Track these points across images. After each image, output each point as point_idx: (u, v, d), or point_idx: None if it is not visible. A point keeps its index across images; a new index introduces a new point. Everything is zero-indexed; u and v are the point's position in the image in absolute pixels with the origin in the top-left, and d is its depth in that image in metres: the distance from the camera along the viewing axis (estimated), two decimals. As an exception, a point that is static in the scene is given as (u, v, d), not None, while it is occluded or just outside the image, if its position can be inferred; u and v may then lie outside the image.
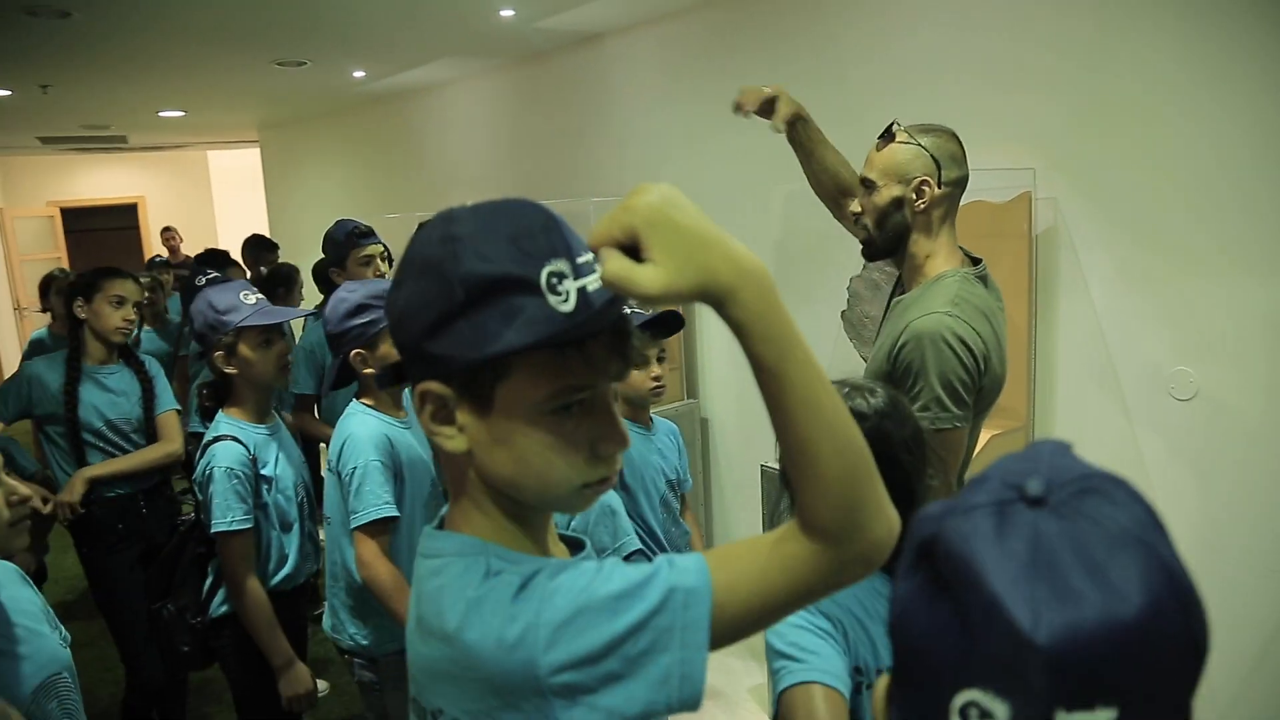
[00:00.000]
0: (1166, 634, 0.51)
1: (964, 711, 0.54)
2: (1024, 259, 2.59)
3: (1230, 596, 2.27)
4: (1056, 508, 0.53)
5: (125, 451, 2.77)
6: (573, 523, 1.55)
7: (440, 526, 0.87)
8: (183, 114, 6.54)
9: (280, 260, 5.36)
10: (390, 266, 3.24)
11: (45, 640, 1.35)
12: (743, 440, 3.79)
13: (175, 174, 11.40)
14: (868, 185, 1.85)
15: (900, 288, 1.96)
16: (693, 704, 0.73)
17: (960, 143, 1.83)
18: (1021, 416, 2.64)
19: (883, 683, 0.64)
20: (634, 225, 0.68)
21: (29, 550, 1.39)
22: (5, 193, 10.83)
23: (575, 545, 0.96)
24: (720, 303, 0.69)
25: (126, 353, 2.83)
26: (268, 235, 5.90)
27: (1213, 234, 2.25)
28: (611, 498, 1.59)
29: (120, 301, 2.72)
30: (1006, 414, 2.56)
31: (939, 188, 1.78)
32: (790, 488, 0.79)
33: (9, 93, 5.04)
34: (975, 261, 1.86)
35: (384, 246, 3.32)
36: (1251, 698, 2.27)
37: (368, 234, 3.28)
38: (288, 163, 8.26)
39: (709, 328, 3.93)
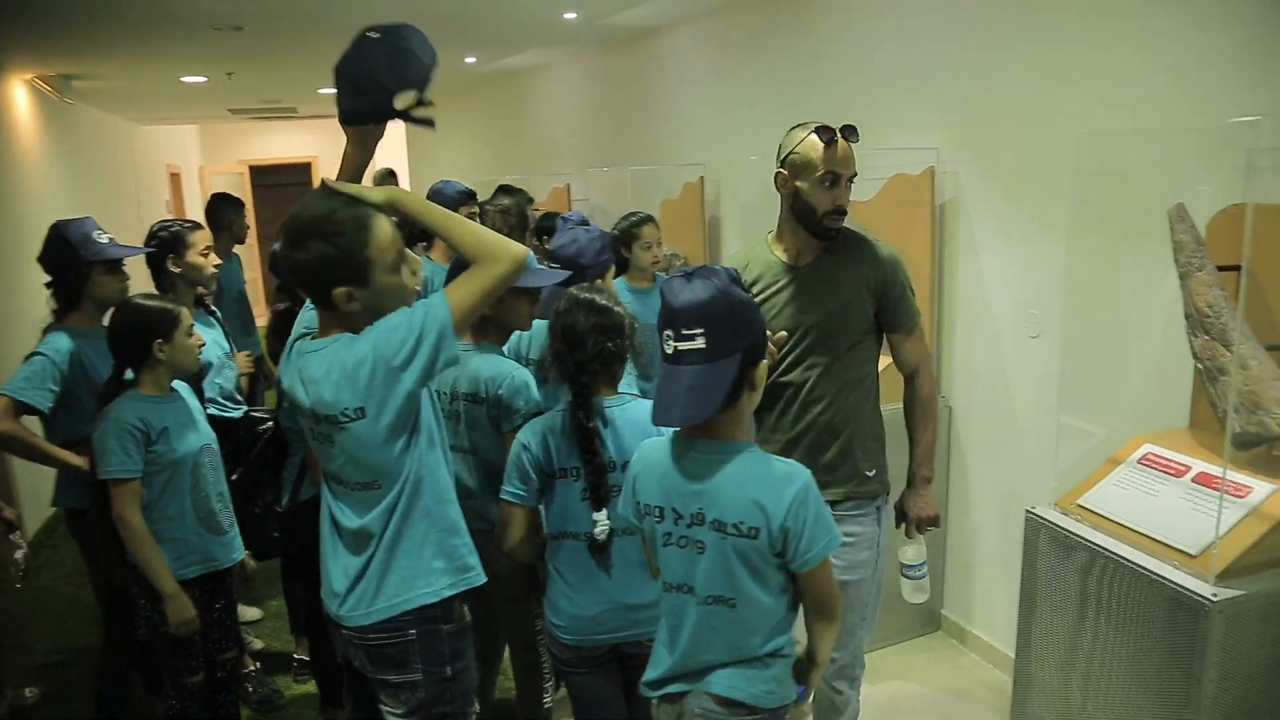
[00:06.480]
0: (718, 307, 1.48)
1: (664, 340, 1.52)
2: (927, 222, 3.24)
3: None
4: (696, 274, 1.52)
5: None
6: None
7: None
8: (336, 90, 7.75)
9: None
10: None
11: (204, 427, 2.37)
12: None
13: (343, 138, 12.86)
14: (850, 181, 2.10)
15: (827, 254, 2.18)
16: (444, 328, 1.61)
17: None
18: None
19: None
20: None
21: None
22: (205, 153, 12.66)
23: None
24: (397, 206, 1.70)
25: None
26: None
27: (1064, 203, 2.84)
28: None
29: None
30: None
31: None
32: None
33: (205, 79, 6.33)
34: None
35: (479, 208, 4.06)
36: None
37: (473, 196, 4.02)
38: (424, 130, 9.48)
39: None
